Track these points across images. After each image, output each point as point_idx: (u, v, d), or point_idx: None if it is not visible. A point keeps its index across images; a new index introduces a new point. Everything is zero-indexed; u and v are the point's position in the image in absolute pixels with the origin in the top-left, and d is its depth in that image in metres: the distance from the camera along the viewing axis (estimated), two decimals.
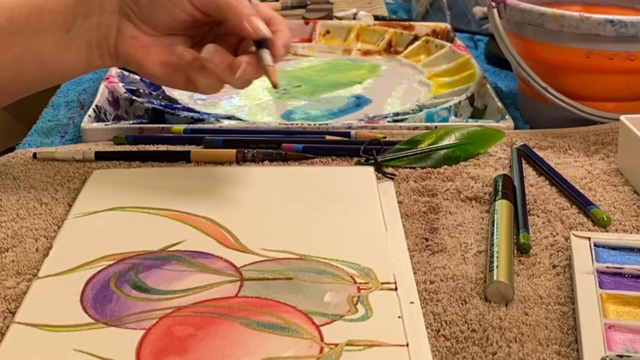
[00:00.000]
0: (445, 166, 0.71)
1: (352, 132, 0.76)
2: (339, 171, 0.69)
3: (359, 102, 0.89)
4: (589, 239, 0.57)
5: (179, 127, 0.77)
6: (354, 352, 0.45)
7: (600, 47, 0.75)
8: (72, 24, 0.61)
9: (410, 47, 1.03)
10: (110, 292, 0.50)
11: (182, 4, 0.59)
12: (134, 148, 0.73)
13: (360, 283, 0.52)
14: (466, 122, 0.80)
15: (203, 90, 0.62)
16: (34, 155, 0.71)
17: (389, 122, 0.79)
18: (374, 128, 0.77)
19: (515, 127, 0.79)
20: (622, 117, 0.69)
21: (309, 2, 1.22)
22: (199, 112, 0.82)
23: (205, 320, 0.48)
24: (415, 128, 0.77)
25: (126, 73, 0.90)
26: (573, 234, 0.58)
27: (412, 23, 1.09)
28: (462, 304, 0.51)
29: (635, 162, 0.68)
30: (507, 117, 0.80)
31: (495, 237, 0.57)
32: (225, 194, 0.63)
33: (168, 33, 0.62)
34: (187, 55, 0.60)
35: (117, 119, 0.83)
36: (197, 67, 0.60)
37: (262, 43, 0.59)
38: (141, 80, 0.90)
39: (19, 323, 0.47)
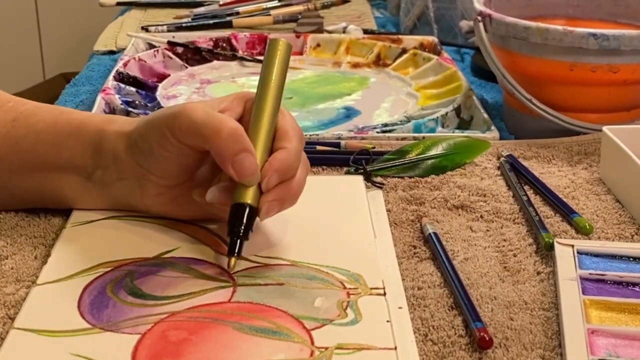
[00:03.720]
0: (433, 175, 0.71)
1: (342, 142, 0.77)
2: (329, 180, 0.69)
3: (349, 113, 0.90)
4: (573, 246, 0.58)
5: None
6: (344, 355, 0.46)
7: (583, 60, 0.76)
8: (92, 172, 0.58)
9: (399, 60, 1.03)
10: (107, 298, 0.51)
11: (172, 149, 0.55)
12: None
13: (349, 288, 0.52)
14: (453, 132, 0.81)
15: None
16: None
17: (377, 132, 0.80)
18: (363, 139, 0.78)
19: (501, 138, 0.80)
20: (605, 128, 0.70)
21: (300, 16, 1.23)
22: None
23: (199, 325, 0.48)
24: (404, 138, 0.78)
25: (122, 85, 0.91)
26: (557, 242, 0.58)
27: (400, 36, 1.10)
28: (449, 310, 0.52)
29: (617, 171, 0.69)
30: (492, 128, 0.81)
31: None
32: None
33: (188, 178, 0.57)
34: (198, 195, 0.56)
35: None
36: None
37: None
38: (137, 92, 0.91)
39: (18, 329, 0.48)
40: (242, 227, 0.53)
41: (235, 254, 0.53)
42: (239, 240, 0.53)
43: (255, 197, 0.54)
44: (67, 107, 0.63)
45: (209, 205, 0.56)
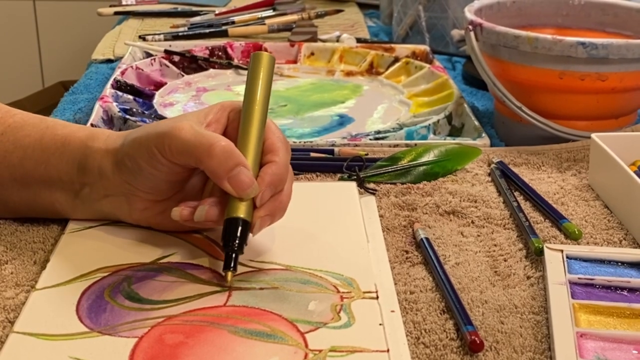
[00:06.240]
0: (425, 182, 0.72)
1: (336, 149, 0.77)
2: (323, 187, 0.70)
3: (342, 120, 0.90)
4: (562, 251, 0.59)
5: None
6: (337, 357, 0.47)
7: (572, 68, 0.77)
8: (80, 189, 0.59)
9: (391, 68, 1.04)
10: (105, 302, 0.51)
11: (162, 168, 0.55)
12: None
13: (343, 292, 0.53)
14: (444, 140, 0.81)
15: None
16: None
17: (370, 139, 0.80)
18: (356, 145, 0.79)
19: (491, 145, 0.80)
20: (593, 135, 0.70)
21: (294, 25, 1.24)
22: None
23: (195, 329, 0.49)
24: (396, 145, 0.79)
25: (120, 93, 0.92)
26: (546, 247, 0.59)
27: (392, 45, 1.11)
28: (440, 314, 0.53)
29: (605, 177, 0.69)
30: (483, 135, 0.81)
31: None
32: None
33: (177, 191, 0.58)
34: (183, 218, 0.55)
35: None
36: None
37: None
38: (134, 100, 0.92)
39: (18, 332, 0.48)
40: (237, 242, 0.53)
41: (232, 269, 0.53)
42: (234, 255, 0.53)
43: (248, 211, 0.54)
44: (54, 119, 0.62)
45: (191, 223, 0.55)
